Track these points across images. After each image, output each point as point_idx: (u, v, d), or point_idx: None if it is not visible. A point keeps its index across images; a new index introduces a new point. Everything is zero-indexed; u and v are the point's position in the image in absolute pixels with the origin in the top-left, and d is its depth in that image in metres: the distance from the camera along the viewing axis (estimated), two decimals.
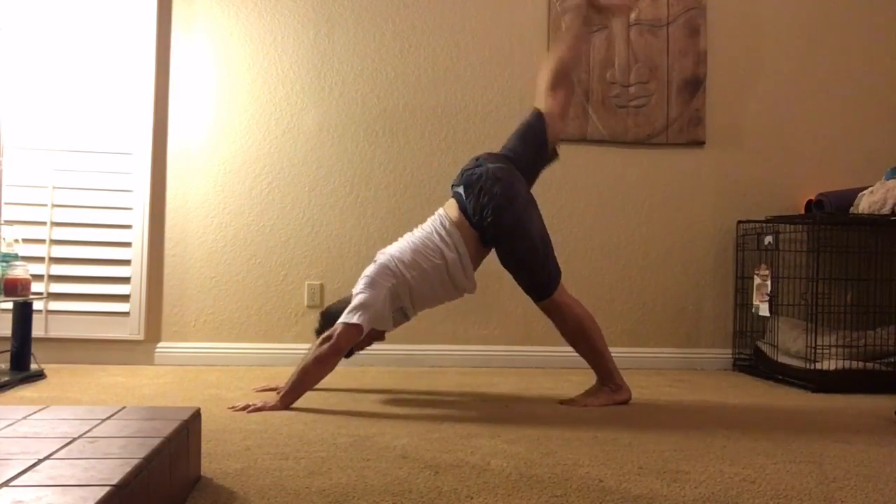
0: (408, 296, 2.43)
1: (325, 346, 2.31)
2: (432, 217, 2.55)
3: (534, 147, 2.56)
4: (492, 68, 3.42)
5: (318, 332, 2.51)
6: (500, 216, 2.40)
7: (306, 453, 1.72)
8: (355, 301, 2.36)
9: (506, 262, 2.50)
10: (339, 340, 2.31)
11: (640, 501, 1.42)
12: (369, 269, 2.44)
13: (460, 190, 2.50)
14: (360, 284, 2.40)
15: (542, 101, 2.59)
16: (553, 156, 2.63)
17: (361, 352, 2.62)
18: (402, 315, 2.51)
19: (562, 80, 2.61)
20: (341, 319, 2.34)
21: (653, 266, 3.49)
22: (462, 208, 2.47)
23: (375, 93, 3.38)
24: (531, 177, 2.60)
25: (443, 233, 2.46)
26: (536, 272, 2.46)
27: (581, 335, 2.50)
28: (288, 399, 2.30)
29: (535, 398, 2.60)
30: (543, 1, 3.44)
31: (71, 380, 2.76)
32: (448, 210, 2.52)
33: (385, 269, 2.41)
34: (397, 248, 2.47)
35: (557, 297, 2.47)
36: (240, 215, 3.32)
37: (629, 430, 2.06)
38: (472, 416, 2.23)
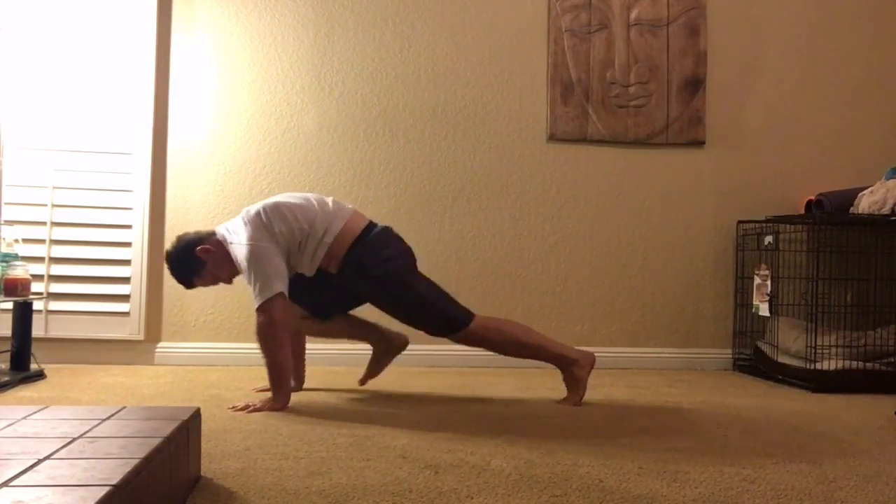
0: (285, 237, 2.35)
1: (264, 329, 2.25)
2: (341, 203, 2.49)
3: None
4: (492, 68, 3.42)
5: (168, 252, 2.47)
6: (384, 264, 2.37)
7: (306, 453, 1.72)
8: (254, 278, 2.26)
9: (395, 310, 2.46)
10: (271, 314, 2.24)
11: (640, 501, 1.42)
12: (242, 235, 2.32)
13: (378, 226, 2.46)
14: (246, 260, 2.28)
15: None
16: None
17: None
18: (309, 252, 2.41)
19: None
20: (257, 303, 2.26)
21: (653, 266, 3.49)
22: (363, 230, 2.41)
23: (375, 93, 3.38)
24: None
25: (331, 209, 2.40)
26: (437, 308, 2.40)
27: (513, 341, 2.47)
28: (280, 397, 2.28)
29: (535, 398, 2.59)
30: (543, 1, 3.44)
31: (71, 380, 2.76)
32: (357, 214, 2.47)
33: (260, 229, 2.31)
34: (270, 201, 2.41)
35: (472, 325, 2.40)
36: None
37: (629, 430, 2.06)
38: (472, 416, 2.23)
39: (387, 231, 2.48)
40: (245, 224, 2.35)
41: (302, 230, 2.36)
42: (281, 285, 2.27)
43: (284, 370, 2.31)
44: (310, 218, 2.37)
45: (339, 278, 2.40)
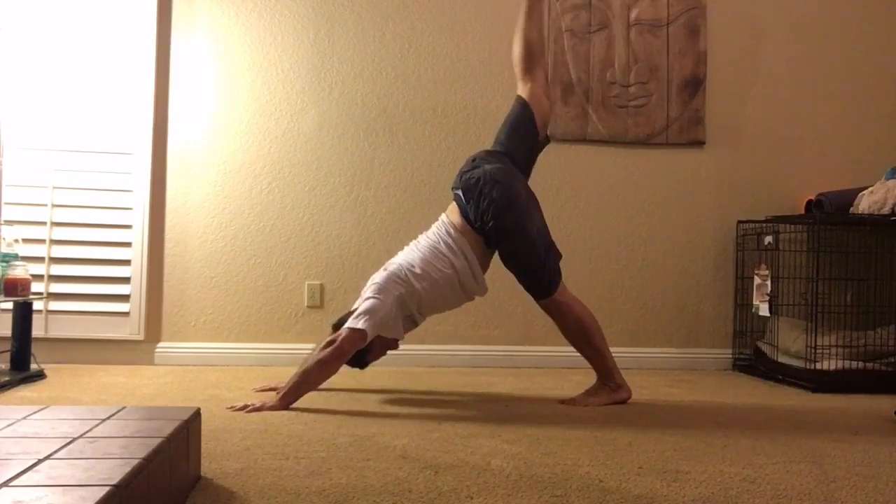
0: (416, 304, 2.44)
1: (329, 349, 2.32)
2: (436, 224, 2.54)
3: (525, 137, 2.55)
4: (492, 68, 3.42)
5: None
6: (501, 219, 2.40)
7: (306, 453, 1.72)
8: (363, 307, 2.36)
9: (507, 262, 2.50)
10: (343, 344, 2.31)
11: (640, 501, 1.42)
12: (378, 276, 2.43)
13: (460, 193, 2.49)
14: (369, 290, 2.40)
15: (521, 86, 2.58)
16: (545, 141, 2.63)
17: (375, 362, 2.60)
18: (411, 322, 2.52)
19: (532, 58, 2.60)
20: (347, 324, 2.34)
21: (653, 266, 3.49)
22: (463, 213, 2.47)
23: (375, 93, 3.38)
24: (527, 167, 2.60)
25: (450, 241, 2.46)
26: (537, 272, 2.46)
27: (581, 334, 2.50)
28: (287, 399, 2.29)
29: (535, 398, 2.60)
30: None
31: (71, 380, 2.76)
32: (451, 216, 2.52)
33: (394, 277, 2.41)
34: (406, 257, 2.47)
35: (558, 297, 2.48)
36: (240, 215, 3.32)
37: (629, 430, 2.06)
38: (472, 416, 2.23)
39: (465, 190, 2.46)
40: (385, 270, 2.44)
41: (448, 276, 2.42)
42: (371, 327, 2.32)
43: (310, 387, 2.35)
44: (447, 262, 2.43)
45: (501, 252, 2.50)
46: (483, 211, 2.41)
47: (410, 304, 2.43)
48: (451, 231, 2.47)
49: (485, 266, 2.52)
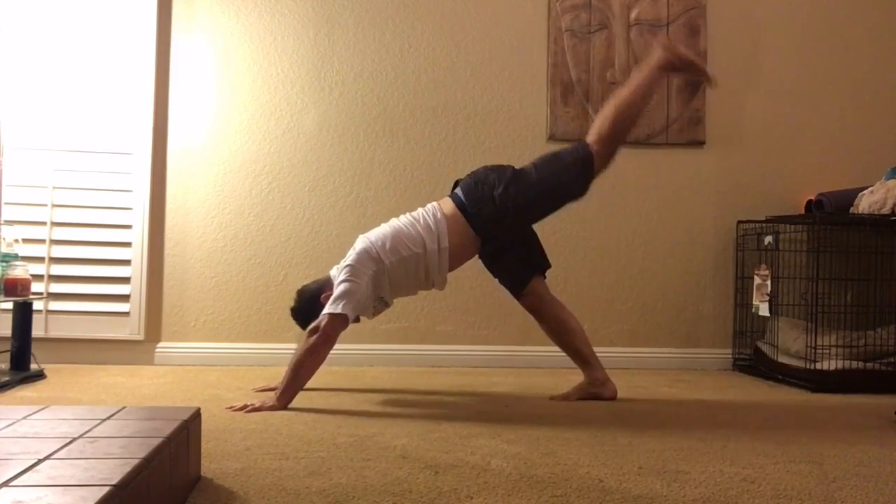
0: (387, 283, 2.42)
1: (314, 337, 2.30)
2: (424, 207, 2.53)
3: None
4: (492, 68, 3.42)
5: (294, 310, 2.54)
6: (502, 191, 2.41)
7: (306, 453, 1.72)
8: (339, 290, 2.33)
9: (536, 199, 2.46)
10: (327, 330, 2.30)
11: (640, 501, 1.42)
12: (350, 256, 2.40)
13: (459, 192, 2.50)
14: (343, 273, 2.37)
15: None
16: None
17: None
18: (382, 303, 2.51)
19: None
20: (326, 310, 2.32)
21: (653, 266, 3.49)
22: (458, 205, 2.46)
23: (375, 93, 3.38)
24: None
25: (430, 222, 2.44)
26: (568, 171, 2.45)
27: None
28: (286, 397, 2.29)
29: (535, 398, 2.59)
30: (543, 1, 3.44)
31: (71, 380, 2.76)
32: (442, 203, 2.51)
33: (366, 256, 2.38)
34: (378, 233, 2.45)
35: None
36: (240, 215, 3.32)
37: (629, 430, 2.06)
38: (472, 416, 2.23)
39: (467, 182, 2.49)
40: (354, 250, 2.41)
41: (417, 255, 2.40)
42: (350, 309, 2.31)
43: (302, 376, 2.35)
44: (418, 242, 2.41)
45: (488, 246, 2.50)
46: (482, 195, 2.41)
47: (383, 283, 2.41)
48: (437, 213, 2.46)
49: (455, 262, 2.49)
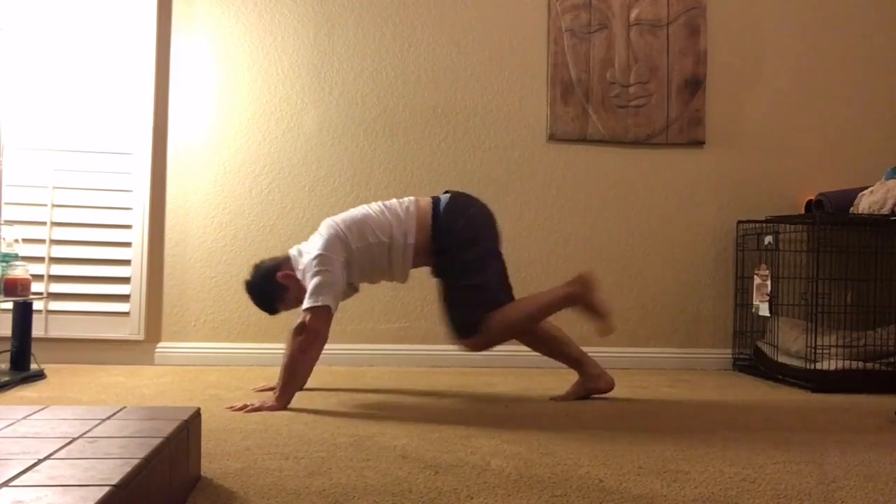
0: (356, 269, 2.40)
1: (303, 335, 2.29)
2: (401, 199, 2.51)
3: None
4: (492, 68, 3.42)
5: (248, 283, 2.51)
6: (473, 243, 2.40)
7: (306, 453, 1.72)
8: (314, 283, 2.29)
9: (449, 274, 2.44)
10: (314, 324, 2.28)
11: (640, 501, 1.42)
12: (318, 244, 2.35)
13: (444, 196, 2.48)
14: (314, 264, 2.31)
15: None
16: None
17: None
18: (351, 289, 2.51)
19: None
20: (306, 305, 2.29)
21: (653, 266, 3.49)
22: (434, 206, 2.44)
23: (375, 93, 3.38)
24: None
25: (401, 213, 2.42)
26: (471, 308, 2.38)
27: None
28: (284, 397, 2.29)
29: (535, 398, 2.60)
30: (543, 1, 3.44)
31: (71, 380, 2.76)
32: (420, 200, 2.49)
33: (336, 242, 2.34)
34: (346, 216, 2.42)
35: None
36: (240, 215, 3.32)
37: (629, 430, 2.06)
38: (472, 416, 2.23)
39: (452, 203, 2.46)
40: (320, 236, 2.38)
41: (382, 244, 2.39)
42: (330, 300, 2.29)
43: (299, 376, 2.34)
44: (386, 231, 2.40)
45: (441, 272, 2.45)
46: (459, 227, 2.39)
47: (353, 269, 2.39)
48: (410, 207, 2.44)
49: (419, 261, 2.46)
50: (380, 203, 2.48)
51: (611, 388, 2.55)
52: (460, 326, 2.38)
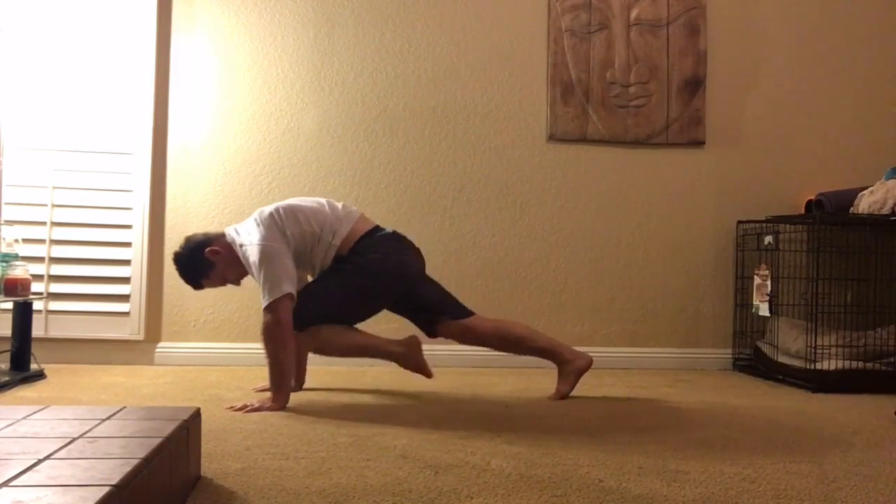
0: (294, 254, 2.38)
1: (276, 329, 2.26)
2: (350, 207, 2.53)
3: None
4: (492, 68, 3.42)
5: (176, 254, 2.48)
6: (383, 256, 2.42)
7: (306, 453, 1.72)
8: (265, 277, 2.26)
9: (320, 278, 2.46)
10: (279, 315, 2.25)
11: (640, 501, 1.42)
12: (256, 234, 2.33)
13: (386, 228, 2.51)
14: (257, 257, 2.28)
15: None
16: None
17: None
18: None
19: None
20: (267, 302, 2.26)
21: (653, 266, 3.49)
22: (371, 230, 2.47)
23: (375, 93, 3.38)
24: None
25: (341, 214, 2.45)
26: (312, 303, 2.37)
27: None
28: (281, 396, 2.28)
29: (535, 398, 2.59)
30: (543, 1, 3.44)
31: (71, 380, 2.76)
32: (365, 219, 2.52)
33: (273, 230, 2.33)
34: (283, 202, 2.43)
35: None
36: (240, 215, 3.31)
37: (629, 430, 2.06)
38: (472, 416, 2.23)
39: (387, 237, 2.49)
40: (258, 225, 2.36)
41: (313, 234, 2.40)
42: (290, 287, 2.28)
43: (286, 371, 2.32)
44: (321, 221, 2.41)
45: (327, 269, 2.45)
46: (372, 256, 2.40)
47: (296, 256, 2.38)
48: (352, 213, 2.47)
49: (313, 270, 2.49)
50: (323, 199, 2.51)
51: (590, 363, 2.58)
52: (296, 315, 2.32)
